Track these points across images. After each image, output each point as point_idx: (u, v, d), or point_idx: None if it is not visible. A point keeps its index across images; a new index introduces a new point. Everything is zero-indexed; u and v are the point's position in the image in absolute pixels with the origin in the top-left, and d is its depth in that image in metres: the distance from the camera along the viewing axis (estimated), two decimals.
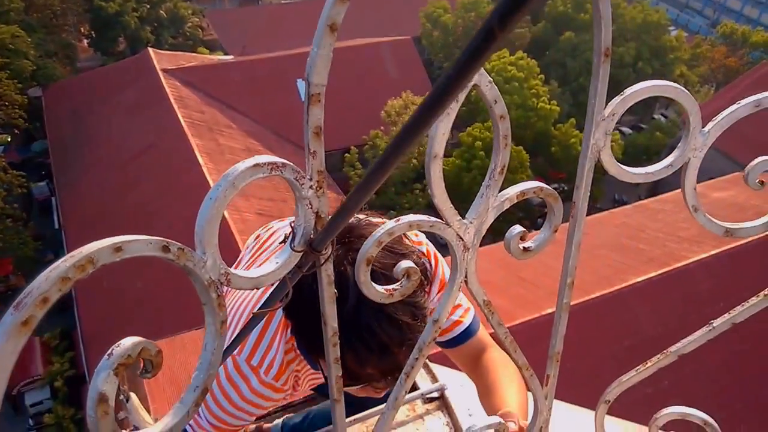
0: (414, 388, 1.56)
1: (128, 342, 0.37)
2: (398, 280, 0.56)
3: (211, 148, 14.71)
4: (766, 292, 0.67)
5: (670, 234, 9.57)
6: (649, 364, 0.74)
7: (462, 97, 0.50)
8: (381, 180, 0.39)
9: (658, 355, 0.73)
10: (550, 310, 7.96)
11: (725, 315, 0.69)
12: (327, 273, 0.51)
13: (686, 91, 0.57)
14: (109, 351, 0.36)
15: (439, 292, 1.16)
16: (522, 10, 0.23)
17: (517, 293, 8.37)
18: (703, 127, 0.58)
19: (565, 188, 19.10)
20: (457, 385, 1.45)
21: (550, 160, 19.55)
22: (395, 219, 0.53)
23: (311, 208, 0.47)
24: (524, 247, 0.60)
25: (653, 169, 0.60)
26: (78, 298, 14.73)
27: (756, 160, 0.60)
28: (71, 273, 0.32)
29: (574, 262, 0.65)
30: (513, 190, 0.56)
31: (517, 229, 0.59)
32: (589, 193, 0.62)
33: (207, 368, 0.44)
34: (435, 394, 1.45)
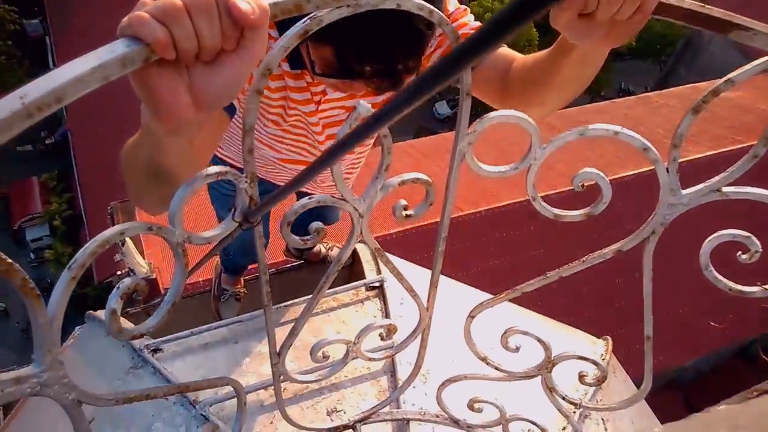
0: (361, 276, 1.89)
1: (128, 281, 0.64)
2: (311, 234, 0.82)
3: None
4: (584, 259, 0.94)
5: (668, 130, 9.65)
6: (502, 295, 1.03)
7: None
8: (313, 176, 0.62)
9: (508, 291, 1.02)
10: (541, 194, 8.20)
11: (559, 269, 0.96)
12: (259, 232, 0.78)
13: (527, 118, 0.79)
14: (117, 285, 0.63)
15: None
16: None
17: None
18: (542, 145, 0.81)
19: None
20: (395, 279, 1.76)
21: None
22: (308, 197, 0.78)
23: (247, 194, 0.71)
24: (407, 215, 0.86)
25: (504, 169, 0.85)
26: (75, 143, 14.97)
27: (581, 171, 0.84)
28: (97, 249, 0.58)
29: (446, 221, 0.92)
30: (396, 180, 0.81)
31: (402, 202, 0.85)
32: (456, 184, 0.87)
33: (177, 288, 0.71)
34: (376, 284, 1.77)
